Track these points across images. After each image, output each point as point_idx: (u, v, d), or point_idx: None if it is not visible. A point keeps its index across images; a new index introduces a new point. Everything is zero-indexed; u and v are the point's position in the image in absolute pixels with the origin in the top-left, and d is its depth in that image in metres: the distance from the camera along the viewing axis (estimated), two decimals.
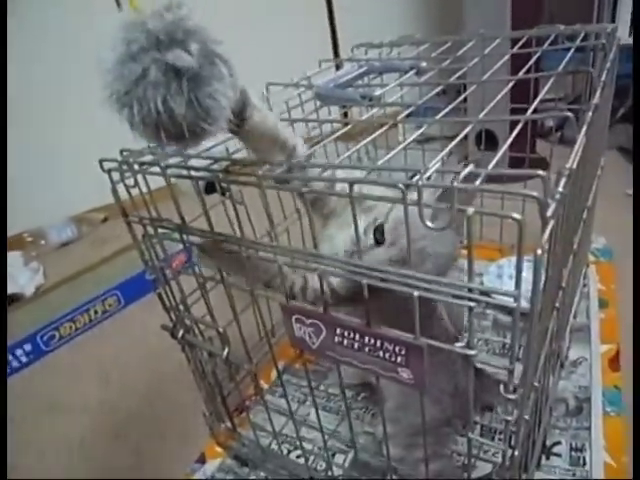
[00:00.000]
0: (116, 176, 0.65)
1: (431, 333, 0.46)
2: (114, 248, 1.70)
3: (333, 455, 0.90)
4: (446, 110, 0.59)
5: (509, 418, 0.46)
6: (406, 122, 0.62)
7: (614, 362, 0.99)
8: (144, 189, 0.65)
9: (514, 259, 0.36)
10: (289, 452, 0.92)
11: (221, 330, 0.68)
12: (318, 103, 0.77)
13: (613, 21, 1.88)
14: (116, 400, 1.16)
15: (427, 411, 0.57)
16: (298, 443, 0.80)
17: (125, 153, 0.65)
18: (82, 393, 1.20)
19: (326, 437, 0.77)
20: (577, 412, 0.90)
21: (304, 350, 0.57)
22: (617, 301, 1.15)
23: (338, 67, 0.98)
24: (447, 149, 0.45)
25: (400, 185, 0.38)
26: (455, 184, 0.36)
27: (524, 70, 0.70)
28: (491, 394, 0.89)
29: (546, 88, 0.61)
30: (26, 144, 1.92)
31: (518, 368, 0.45)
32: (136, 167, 0.62)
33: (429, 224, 0.38)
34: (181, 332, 0.74)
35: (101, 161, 0.65)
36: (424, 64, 0.82)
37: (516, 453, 0.51)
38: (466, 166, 0.38)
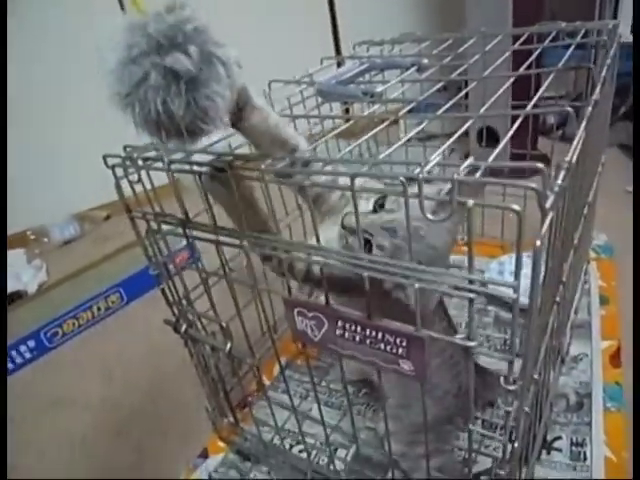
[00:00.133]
0: (120, 172, 0.66)
1: (432, 328, 0.47)
2: (117, 246, 1.71)
3: (335, 450, 0.90)
4: (447, 106, 0.59)
5: (509, 409, 0.46)
6: (407, 118, 0.62)
7: (615, 358, 0.99)
8: (147, 185, 0.66)
9: (513, 257, 0.36)
10: (291, 447, 0.92)
11: (224, 324, 0.68)
12: (320, 99, 0.78)
13: (615, 19, 1.88)
14: (119, 396, 1.16)
15: (429, 410, 0.57)
16: (300, 438, 0.81)
17: (128, 149, 0.65)
18: (85, 389, 1.21)
19: (328, 431, 0.78)
20: (578, 407, 0.90)
21: (306, 343, 0.58)
22: (618, 298, 1.15)
23: (340, 64, 0.98)
24: (448, 143, 0.46)
25: (401, 178, 0.39)
26: (455, 176, 0.37)
27: (525, 66, 0.71)
28: (493, 392, 0.90)
29: (546, 83, 0.61)
30: (28, 143, 1.93)
31: (519, 363, 0.46)
32: (140, 163, 0.62)
33: (430, 216, 0.38)
34: (184, 327, 0.75)
35: (105, 157, 0.65)
36: (425, 61, 0.83)
37: (516, 445, 0.51)
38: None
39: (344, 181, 0.45)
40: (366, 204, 0.58)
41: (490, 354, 0.45)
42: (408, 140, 0.50)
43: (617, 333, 1.05)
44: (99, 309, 1.46)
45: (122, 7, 1.95)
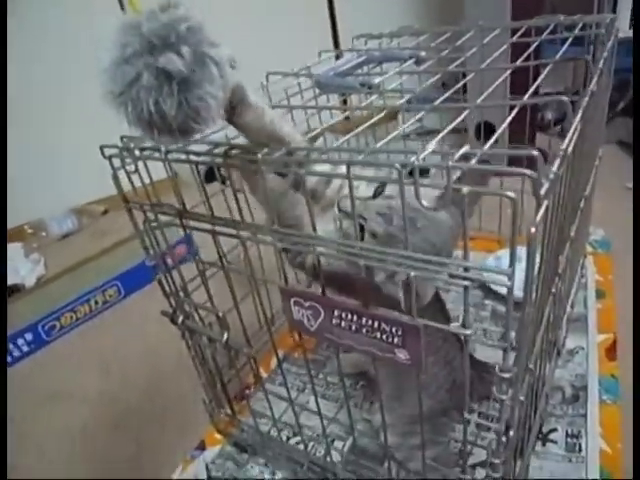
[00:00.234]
0: (117, 163, 0.66)
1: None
2: (114, 240, 1.71)
3: (332, 441, 0.91)
4: (445, 96, 0.59)
5: (504, 397, 0.46)
6: (405, 110, 0.63)
7: (611, 351, 1.00)
8: (144, 176, 0.66)
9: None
10: (288, 439, 0.93)
11: (220, 315, 0.68)
12: (317, 91, 0.78)
13: (614, 13, 1.87)
14: (116, 390, 1.17)
15: (423, 402, 0.58)
16: (297, 430, 0.81)
17: (125, 139, 0.65)
18: (83, 383, 1.21)
19: (325, 423, 0.78)
20: (573, 400, 0.91)
21: (303, 332, 0.58)
22: (615, 292, 1.15)
23: (338, 58, 0.98)
24: (444, 131, 0.46)
25: (396, 165, 0.39)
26: (450, 163, 0.37)
27: (523, 58, 0.70)
28: (488, 385, 0.90)
29: (544, 74, 0.61)
30: (26, 138, 1.93)
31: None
32: (137, 153, 0.62)
33: (424, 203, 0.39)
34: (181, 318, 0.75)
35: (102, 147, 0.65)
36: (423, 53, 0.83)
37: (511, 434, 0.51)
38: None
39: (341, 171, 0.45)
40: (367, 190, 0.58)
41: (484, 342, 0.45)
42: (407, 135, 0.50)
43: (613, 326, 1.05)
44: (97, 303, 1.46)
45: (122, 7, 1.95)
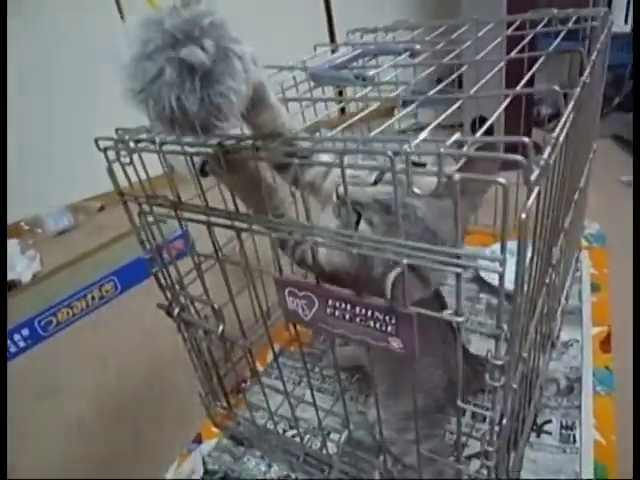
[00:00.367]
0: (112, 155, 0.66)
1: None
2: (111, 236, 1.71)
3: (328, 434, 0.91)
4: (440, 87, 0.60)
5: (496, 384, 0.47)
6: (401, 99, 0.63)
7: (605, 344, 1.00)
8: (140, 169, 0.66)
9: (508, 244, 0.37)
10: (284, 431, 0.93)
11: (216, 306, 0.68)
12: (312, 84, 0.78)
13: (609, 8, 1.88)
14: (114, 384, 1.17)
15: (419, 400, 0.58)
16: (294, 422, 0.82)
17: (120, 131, 0.65)
18: (80, 378, 1.21)
19: (321, 415, 0.79)
20: (568, 392, 0.91)
21: (298, 323, 0.58)
22: (609, 285, 1.16)
23: (334, 52, 0.98)
24: (439, 119, 0.46)
25: (389, 152, 0.39)
26: (442, 150, 0.37)
27: (517, 49, 0.71)
28: (483, 379, 0.90)
29: (537, 64, 0.62)
30: (22, 135, 1.92)
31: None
32: (132, 145, 0.62)
33: (416, 190, 0.39)
34: (177, 310, 0.75)
35: (97, 140, 0.65)
36: (418, 46, 0.83)
37: (504, 421, 0.52)
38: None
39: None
40: (368, 179, 0.58)
41: (477, 329, 0.45)
42: (403, 132, 0.50)
43: (607, 319, 1.06)
44: (93, 298, 1.46)
45: (119, 8, 1.95)
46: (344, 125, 0.50)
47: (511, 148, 0.38)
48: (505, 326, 0.43)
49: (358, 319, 0.51)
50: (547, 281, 0.64)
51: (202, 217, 0.61)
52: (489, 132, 0.50)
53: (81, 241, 1.87)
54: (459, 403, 0.53)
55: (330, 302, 0.52)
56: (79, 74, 1.96)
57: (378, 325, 0.49)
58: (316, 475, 0.84)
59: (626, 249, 1.18)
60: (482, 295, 1.18)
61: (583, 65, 0.67)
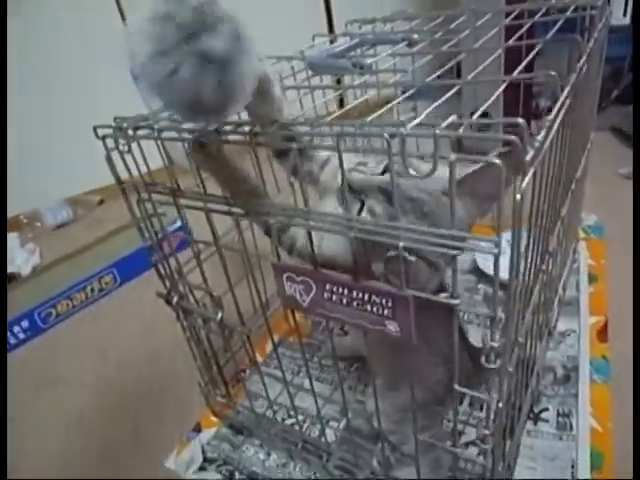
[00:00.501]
0: (110, 143, 0.66)
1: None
2: (110, 229, 1.71)
3: (327, 422, 0.92)
4: (438, 73, 0.60)
5: (492, 366, 0.47)
6: (399, 87, 0.63)
7: (602, 333, 1.01)
8: (139, 160, 0.66)
9: (506, 234, 0.37)
10: (283, 420, 0.94)
11: (214, 294, 0.69)
12: (310, 72, 0.78)
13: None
14: (113, 375, 1.18)
15: (419, 394, 0.59)
16: (292, 412, 0.82)
17: (118, 119, 0.65)
18: (80, 369, 1.22)
19: (320, 404, 0.79)
20: (565, 380, 0.92)
21: (296, 308, 0.58)
22: (607, 276, 1.17)
23: (332, 42, 0.98)
24: (436, 103, 0.46)
25: (385, 135, 0.39)
26: (437, 132, 0.37)
27: (515, 38, 0.71)
28: (483, 372, 0.90)
29: (534, 52, 0.62)
30: (22, 127, 1.92)
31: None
32: (130, 132, 0.63)
33: (412, 172, 0.39)
34: (175, 298, 0.76)
35: (95, 128, 0.65)
36: (416, 36, 0.83)
37: (500, 405, 0.52)
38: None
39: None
40: (375, 169, 0.58)
41: (473, 311, 0.46)
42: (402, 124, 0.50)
43: (604, 309, 1.06)
44: (93, 290, 1.47)
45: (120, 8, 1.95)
46: (342, 110, 0.50)
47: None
48: (500, 309, 0.44)
49: (355, 303, 0.51)
50: (544, 268, 0.65)
51: (200, 204, 0.62)
52: (489, 125, 0.50)
53: (80, 234, 1.88)
54: (456, 387, 0.53)
55: (327, 287, 0.52)
56: (79, 73, 1.96)
57: (375, 309, 0.50)
58: (315, 462, 0.85)
59: (624, 240, 1.19)
60: (480, 286, 1.18)
61: (580, 54, 0.67)
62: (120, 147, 0.65)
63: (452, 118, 0.39)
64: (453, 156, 0.37)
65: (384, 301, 0.48)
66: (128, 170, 0.67)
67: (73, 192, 2.12)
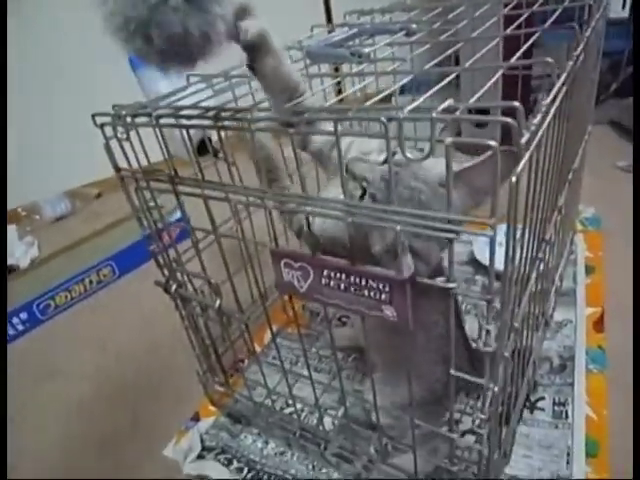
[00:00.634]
0: (109, 132, 0.66)
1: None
2: (108, 222, 1.71)
3: (325, 411, 0.92)
4: (436, 60, 0.60)
5: (488, 349, 0.47)
6: (396, 74, 0.63)
7: (598, 324, 1.01)
8: (136, 147, 0.66)
9: (503, 226, 0.38)
10: (282, 409, 0.94)
11: (212, 281, 0.69)
12: (308, 61, 0.78)
13: None
14: (112, 366, 1.18)
15: (417, 393, 0.60)
16: (291, 401, 0.83)
17: (116, 107, 0.65)
18: (79, 360, 1.22)
19: (318, 393, 0.80)
20: (561, 370, 0.93)
21: (294, 295, 0.59)
22: (604, 267, 1.17)
23: (330, 33, 0.98)
24: (434, 89, 0.47)
25: (382, 119, 0.40)
26: (434, 115, 0.38)
27: (513, 27, 0.71)
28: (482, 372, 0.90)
29: (531, 41, 0.62)
30: (20, 121, 1.92)
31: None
32: (128, 120, 0.63)
33: (409, 155, 0.39)
34: (174, 287, 0.76)
35: (93, 116, 0.65)
36: (414, 26, 0.83)
37: (496, 389, 0.52)
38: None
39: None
40: (378, 157, 0.59)
41: (470, 294, 0.46)
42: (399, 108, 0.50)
43: (601, 300, 1.07)
44: (91, 282, 1.47)
45: None
46: (340, 97, 0.51)
47: (508, 131, 0.38)
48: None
49: (353, 288, 0.51)
50: (540, 256, 0.65)
51: (199, 191, 0.62)
52: (485, 112, 0.51)
53: (78, 227, 1.88)
54: (452, 372, 0.53)
55: (325, 272, 0.53)
56: (79, 73, 1.96)
57: (372, 293, 0.50)
58: (312, 450, 0.85)
59: (621, 232, 1.19)
60: (478, 277, 1.19)
61: (577, 43, 0.67)
62: (119, 135, 0.65)
63: (449, 102, 0.39)
64: (449, 139, 0.37)
65: (381, 286, 0.49)
66: (126, 158, 0.67)
67: (71, 185, 2.12)
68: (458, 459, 0.78)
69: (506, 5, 0.94)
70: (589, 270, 1.17)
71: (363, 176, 0.55)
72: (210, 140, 0.81)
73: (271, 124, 0.54)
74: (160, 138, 0.65)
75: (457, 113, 0.38)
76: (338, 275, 0.52)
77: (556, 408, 0.86)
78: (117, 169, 0.69)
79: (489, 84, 0.44)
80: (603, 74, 1.10)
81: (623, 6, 1.79)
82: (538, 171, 0.50)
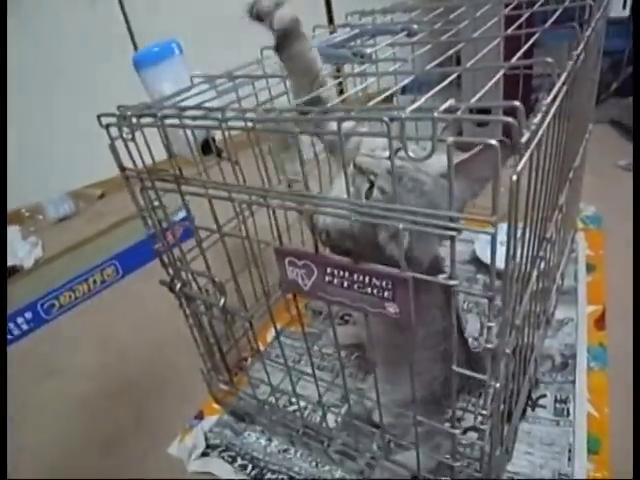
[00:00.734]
0: (114, 132, 0.67)
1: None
2: (111, 222, 1.72)
3: (328, 408, 0.93)
4: (438, 61, 0.61)
5: (490, 346, 0.48)
6: (397, 75, 0.64)
7: (599, 322, 1.02)
8: (142, 147, 0.67)
9: (505, 225, 0.38)
10: (285, 407, 0.95)
11: (216, 279, 0.70)
12: None
13: None
14: (116, 365, 1.19)
15: (416, 391, 0.60)
16: (294, 399, 0.83)
17: (122, 108, 0.66)
18: (83, 359, 1.23)
19: (321, 391, 0.80)
20: (562, 367, 0.93)
21: (297, 292, 0.59)
22: (605, 265, 1.18)
23: (332, 34, 0.99)
24: (436, 89, 0.47)
25: (385, 118, 0.40)
26: (435, 114, 0.38)
27: (514, 27, 0.72)
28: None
29: (532, 40, 0.63)
30: (23, 121, 1.93)
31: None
32: (134, 120, 0.63)
33: (411, 154, 0.40)
34: (178, 285, 0.77)
35: (99, 116, 0.66)
36: (415, 26, 0.84)
37: (497, 385, 0.53)
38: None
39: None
40: (384, 153, 0.60)
41: (471, 292, 0.47)
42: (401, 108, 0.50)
43: (602, 298, 1.07)
44: (95, 282, 1.48)
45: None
46: (343, 97, 0.51)
47: (509, 130, 0.39)
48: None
49: (356, 286, 0.52)
50: (541, 254, 0.66)
51: (203, 191, 0.63)
52: (487, 112, 0.52)
53: (82, 227, 1.88)
54: (454, 367, 0.54)
55: (329, 270, 0.53)
56: (79, 73, 1.97)
57: (375, 291, 0.51)
58: (316, 448, 0.86)
59: (622, 231, 1.20)
60: (479, 276, 1.20)
61: (578, 42, 0.68)
62: (124, 135, 0.65)
63: (450, 102, 0.40)
64: (450, 139, 0.38)
65: (384, 283, 0.49)
66: (131, 159, 0.68)
67: (74, 186, 2.13)
68: (460, 455, 0.79)
69: (507, 5, 0.95)
70: (590, 268, 1.17)
71: (371, 170, 0.57)
72: (214, 140, 0.82)
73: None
74: (164, 138, 0.66)
75: (458, 113, 0.39)
76: (341, 273, 0.53)
77: (558, 405, 0.87)
78: (122, 169, 0.70)
79: (490, 84, 0.45)
80: (604, 73, 1.11)
81: (624, 5, 1.79)
82: (539, 170, 0.50)
